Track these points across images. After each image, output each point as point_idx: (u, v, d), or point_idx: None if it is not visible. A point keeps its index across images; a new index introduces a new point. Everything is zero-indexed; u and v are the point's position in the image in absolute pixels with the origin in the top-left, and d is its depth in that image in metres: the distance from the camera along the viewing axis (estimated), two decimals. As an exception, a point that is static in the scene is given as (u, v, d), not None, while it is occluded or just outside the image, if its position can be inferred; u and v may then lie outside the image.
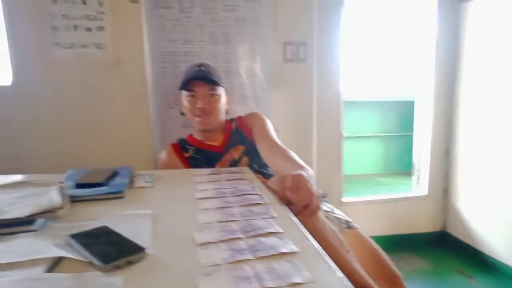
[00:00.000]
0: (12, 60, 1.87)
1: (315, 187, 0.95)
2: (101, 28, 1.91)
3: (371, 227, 2.42)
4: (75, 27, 1.88)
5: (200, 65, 1.49)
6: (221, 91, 1.49)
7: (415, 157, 2.63)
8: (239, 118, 1.59)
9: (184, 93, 1.48)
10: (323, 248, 0.65)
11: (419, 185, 2.60)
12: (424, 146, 2.55)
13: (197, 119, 1.45)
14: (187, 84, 1.45)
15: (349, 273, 0.84)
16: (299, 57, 2.18)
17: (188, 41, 2.01)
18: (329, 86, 2.27)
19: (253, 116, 1.57)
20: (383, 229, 2.49)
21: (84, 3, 1.86)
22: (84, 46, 1.91)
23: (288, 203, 0.90)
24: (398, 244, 2.47)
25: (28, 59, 1.88)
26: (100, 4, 1.88)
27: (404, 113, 4.15)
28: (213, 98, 1.45)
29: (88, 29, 1.90)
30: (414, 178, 2.65)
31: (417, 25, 2.52)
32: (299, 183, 0.92)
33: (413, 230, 2.56)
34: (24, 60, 1.88)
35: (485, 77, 2.20)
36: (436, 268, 2.31)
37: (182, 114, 1.58)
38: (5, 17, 1.83)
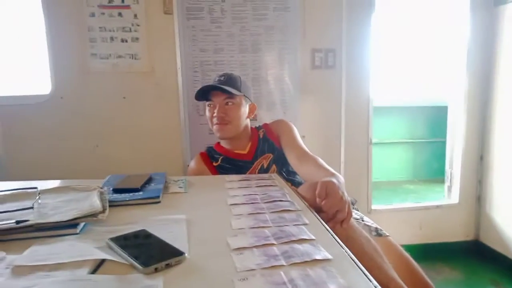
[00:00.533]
0: (51, 70, 1.97)
1: (346, 194, 0.95)
2: (136, 39, 1.99)
3: (400, 235, 2.37)
4: (112, 38, 1.97)
5: (221, 75, 1.51)
6: (240, 99, 1.49)
7: (447, 164, 2.56)
8: (266, 125, 1.61)
9: (205, 102, 1.53)
10: (357, 256, 0.65)
11: (451, 193, 2.53)
12: (456, 153, 2.48)
13: (215, 127, 1.49)
14: (206, 94, 1.48)
15: (384, 282, 0.83)
16: (327, 64, 2.18)
17: (218, 50, 2.05)
18: (358, 92, 2.25)
19: (280, 123, 1.58)
20: (413, 238, 2.44)
21: (120, 15, 1.95)
22: (120, 56, 1.99)
23: (318, 210, 0.91)
24: (428, 253, 2.40)
25: (67, 69, 1.98)
26: (135, 16, 1.96)
27: (434, 118, 4.05)
28: (229, 107, 1.46)
29: (124, 40, 1.98)
30: (445, 185, 2.58)
31: (449, 30, 2.47)
32: (330, 189, 0.92)
33: (444, 239, 2.48)
34: (62, 70, 1.98)
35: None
36: (469, 279, 2.24)
37: None
38: (46, 29, 1.94)
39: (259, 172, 1.47)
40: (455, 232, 2.50)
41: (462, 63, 2.38)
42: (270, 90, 2.15)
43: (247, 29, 2.06)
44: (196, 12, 2.01)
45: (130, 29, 1.97)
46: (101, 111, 2.02)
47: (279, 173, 1.44)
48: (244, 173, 1.46)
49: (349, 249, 0.68)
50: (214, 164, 1.53)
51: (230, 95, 1.46)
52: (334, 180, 0.97)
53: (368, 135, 2.31)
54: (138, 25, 1.97)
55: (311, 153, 1.40)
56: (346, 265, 0.62)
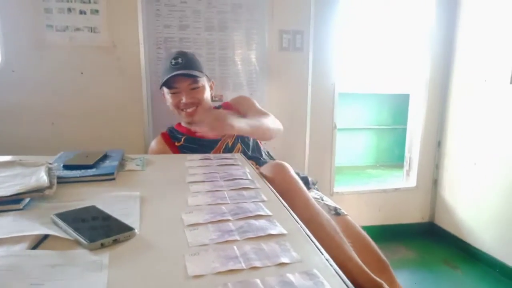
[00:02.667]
0: (0, 41, 1.83)
1: (233, 121, 1.11)
2: (95, 12, 1.88)
3: (360, 217, 2.45)
4: (69, 9, 1.85)
5: (176, 57, 1.42)
6: (203, 80, 1.45)
7: (406, 149, 2.64)
8: (225, 103, 1.57)
9: (166, 90, 1.44)
10: (317, 236, 0.64)
11: (409, 177, 2.62)
12: (416, 139, 2.56)
13: (184, 113, 1.43)
14: (167, 81, 1.40)
15: (342, 261, 0.84)
16: (295, 45, 2.17)
17: (184, 27, 1.98)
18: (324, 76, 2.26)
19: (239, 98, 1.57)
20: (372, 220, 2.52)
21: (78, -16, 1.83)
22: (78, 29, 1.88)
23: (279, 192, 0.90)
24: (386, 234, 2.49)
25: (18, 41, 1.84)
26: (95, -14, 1.85)
27: (397, 106, 4.16)
28: (196, 91, 1.42)
29: (83, 12, 1.87)
30: (404, 170, 2.67)
31: (414, 18, 2.52)
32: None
33: (401, 220, 2.58)
34: (13, 41, 1.84)
35: (478, 71, 2.21)
36: (423, 258, 2.34)
37: None
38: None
39: (223, 151, 1.44)
40: (412, 214, 2.60)
41: (424, 53, 2.44)
42: (237, 71, 2.11)
43: (214, 6, 2.00)
44: (160, -15, 1.92)
45: (90, 0, 1.86)
46: (57, 87, 1.91)
47: (244, 152, 1.42)
48: (209, 152, 1.43)
49: (309, 230, 0.67)
50: (177, 144, 1.48)
51: (195, 79, 1.40)
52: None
53: (333, 120, 2.33)
54: (98, -4, 1.87)
55: (265, 111, 1.45)
56: (300, 239, 0.62)
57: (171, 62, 1.41)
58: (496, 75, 2.07)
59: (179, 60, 1.40)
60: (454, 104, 2.41)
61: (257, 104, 1.52)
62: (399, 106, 4.00)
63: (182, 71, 1.38)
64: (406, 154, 2.64)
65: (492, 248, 2.16)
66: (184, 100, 1.40)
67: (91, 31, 1.89)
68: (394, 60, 4.00)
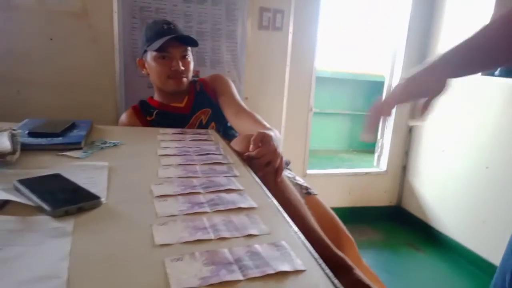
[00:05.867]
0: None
1: (280, 147, 0.95)
2: (66, -26, 1.78)
3: (331, 198, 2.50)
4: (38, -30, 1.74)
5: (167, 23, 1.37)
6: (191, 53, 1.43)
7: (379, 134, 2.70)
8: (202, 79, 1.53)
9: (154, 54, 1.36)
10: (293, 216, 0.64)
11: (380, 162, 2.69)
12: (388, 125, 2.61)
13: (171, 81, 1.37)
14: (161, 44, 1.33)
15: (316, 241, 0.85)
16: (275, 25, 2.14)
17: (160, -4, 1.91)
18: (303, 59, 2.25)
19: (217, 78, 1.51)
20: (342, 201, 2.58)
21: None
22: (47, -9, 1.77)
23: (250, 159, 0.90)
24: (355, 216, 2.56)
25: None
26: None
27: (372, 92, 4.22)
28: (186, 61, 1.38)
29: (52, -26, 1.76)
30: (376, 155, 2.73)
31: (393, 7, 2.53)
32: (265, 140, 0.91)
33: (369, 203, 2.66)
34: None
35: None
36: (388, 240, 2.43)
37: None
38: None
39: (198, 128, 1.42)
40: (380, 197, 2.68)
41: (400, 41, 2.46)
42: (214, 47, 2.06)
43: (193, -23, 1.93)
44: (137, -49, 1.83)
45: (61, -39, 1.76)
46: (24, 53, 1.81)
47: (217, 129, 1.41)
48: (182, 127, 1.40)
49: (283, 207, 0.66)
50: (148, 118, 1.43)
51: (186, 47, 1.37)
52: (271, 133, 0.96)
53: (309, 102, 2.34)
54: (70, -42, 1.76)
55: (248, 109, 1.37)
56: (270, 213, 0.62)
57: (163, 27, 1.35)
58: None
59: (171, 26, 1.36)
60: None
61: (236, 93, 1.46)
62: (374, 92, 4.05)
63: (185, 35, 1.36)
64: (378, 139, 2.69)
65: (455, 232, 2.26)
66: (175, 66, 1.34)
67: (62, -5, 1.79)
68: (372, 47, 4.04)
